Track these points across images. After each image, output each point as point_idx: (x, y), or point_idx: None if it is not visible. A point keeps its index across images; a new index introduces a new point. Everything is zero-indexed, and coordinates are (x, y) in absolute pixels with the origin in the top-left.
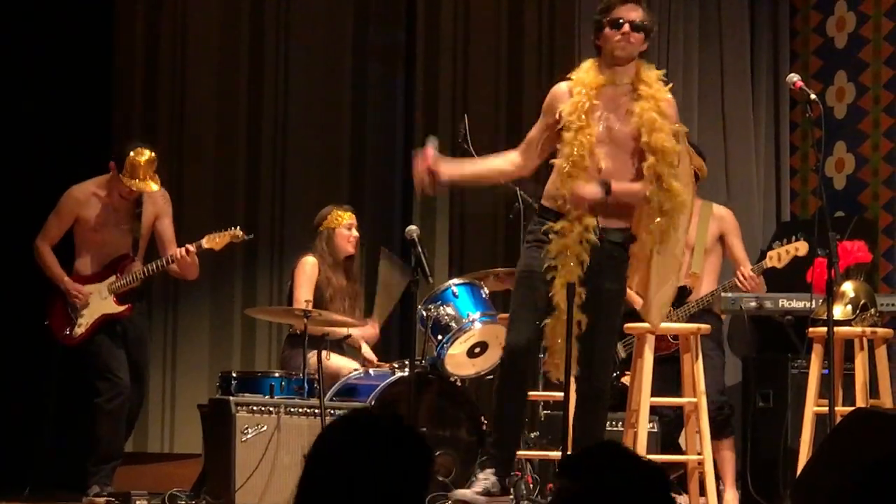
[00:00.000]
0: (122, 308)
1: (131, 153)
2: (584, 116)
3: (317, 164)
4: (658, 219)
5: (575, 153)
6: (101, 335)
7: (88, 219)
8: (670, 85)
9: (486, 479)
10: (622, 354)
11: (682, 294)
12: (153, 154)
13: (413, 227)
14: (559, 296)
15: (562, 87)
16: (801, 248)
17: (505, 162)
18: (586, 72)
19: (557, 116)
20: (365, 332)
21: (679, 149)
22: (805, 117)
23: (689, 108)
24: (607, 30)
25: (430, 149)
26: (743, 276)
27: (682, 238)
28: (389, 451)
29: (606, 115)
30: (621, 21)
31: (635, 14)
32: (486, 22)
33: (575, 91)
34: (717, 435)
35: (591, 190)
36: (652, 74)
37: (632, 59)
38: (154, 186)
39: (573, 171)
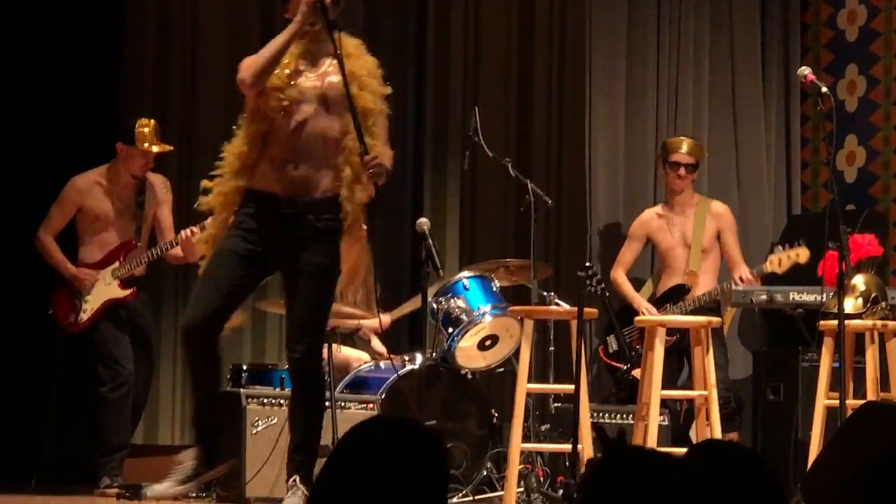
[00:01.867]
0: (126, 292)
1: (135, 125)
2: (284, 78)
3: None
4: (347, 169)
5: (275, 115)
6: (106, 322)
7: (91, 208)
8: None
9: (184, 465)
10: (614, 346)
11: (681, 292)
12: (155, 122)
13: (424, 219)
14: None
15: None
16: (802, 254)
17: None
18: None
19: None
20: (375, 324)
21: (382, 110)
22: (816, 110)
23: (699, 102)
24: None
25: None
26: (741, 279)
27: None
28: (407, 457)
29: (310, 75)
30: None
31: None
32: (497, 14)
33: None
34: (721, 430)
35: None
36: (352, 42)
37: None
38: (168, 147)
39: (274, 135)
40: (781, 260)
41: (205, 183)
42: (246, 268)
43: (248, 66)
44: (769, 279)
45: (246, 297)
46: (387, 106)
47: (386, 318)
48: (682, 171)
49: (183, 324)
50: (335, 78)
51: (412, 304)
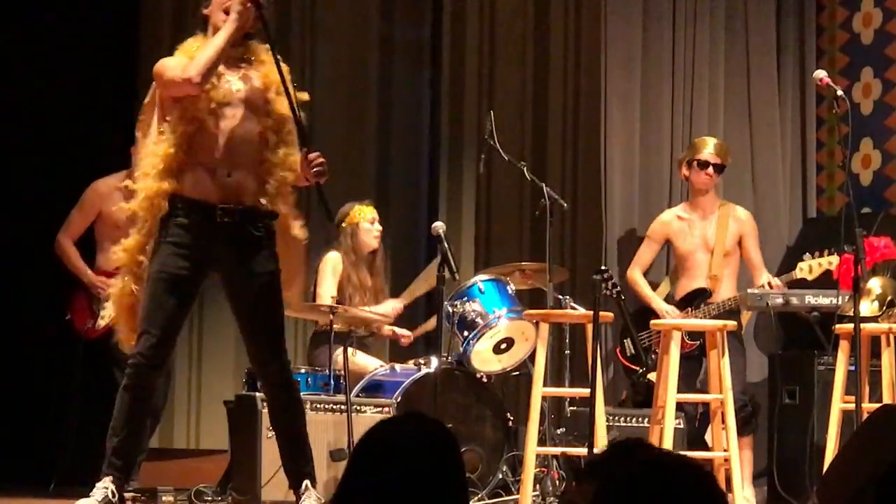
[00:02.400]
0: None
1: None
2: (212, 80)
3: (343, 161)
4: (270, 182)
5: (194, 116)
6: None
7: (110, 213)
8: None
9: (105, 487)
10: (631, 349)
11: (703, 295)
12: None
13: (439, 223)
14: None
15: (171, 58)
16: (833, 262)
17: None
18: (197, 42)
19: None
20: (387, 308)
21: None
22: (831, 113)
23: (714, 105)
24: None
25: None
26: (770, 286)
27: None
28: (423, 456)
29: (232, 78)
30: None
31: None
32: (512, 18)
33: (194, 51)
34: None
35: None
36: (262, 49)
37: (244, 29)
38: None
39: (195, 139)
40: (812, 267)
41: (128, 183)
42: (188, 287)
43: (188, 66)
44: (790, 282)
45: (190, 309)
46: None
47: (399, 303)
48: (710, 169)
49: (136, 355)
50: (257, 82)
51: (422, 286)
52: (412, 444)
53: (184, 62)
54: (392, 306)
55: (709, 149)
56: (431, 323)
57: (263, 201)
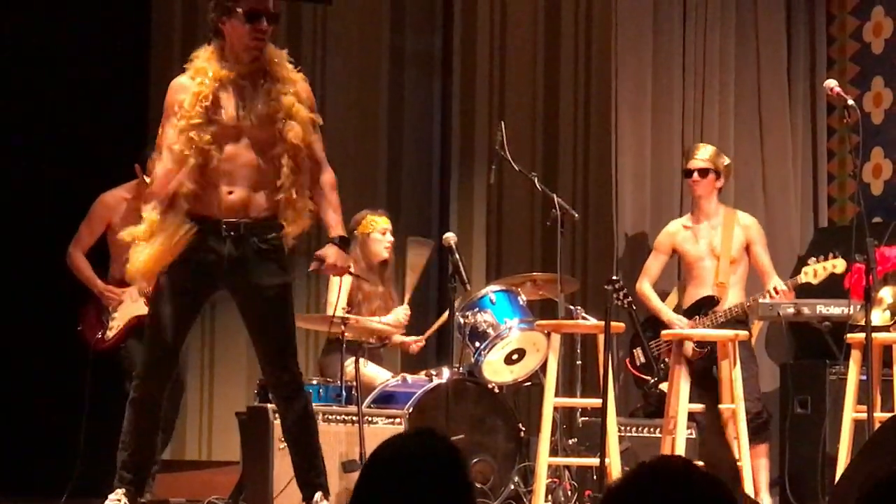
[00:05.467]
0: None
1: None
2: (200, 110)
3: (354, 171)
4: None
5: (179, 151)
6: (133, 339)
7: (119, 224)
8: (300, 68)
9: (118, 499)
10: (641, 359)
11: (710, 303)
12: None
13: (450, 234)
14: None
15: (182, 80)
16: (838, 265)
17: None
18: (207, 61)
19: (177, 109)
20: (398, 316)
21: (313, 139)
22: (842, 123)
23: (725, 115)
24: (237, 22)
25: None
26: (775, 290)
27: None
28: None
29: (236, 105)
30: (260, 13)
31: (271, 3)
32: (523, 28)
33: (196, 82)
34: (750, 440)
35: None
36: (280, 54)
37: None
38: None
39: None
40: (817, 271)
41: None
42: (192, 302)
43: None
44: (800, 291)
45: (194, 323)
46: (318, 130)
47: (405, 308)
48: (696, 175)
49: (140, 370)
50: (264, 109)
51: (412, 278)
52: (421, 459)
53: (166, 164)
54: (402, 314)
55: (695, 154)
56: (443, 318)
57: (271, 214)
